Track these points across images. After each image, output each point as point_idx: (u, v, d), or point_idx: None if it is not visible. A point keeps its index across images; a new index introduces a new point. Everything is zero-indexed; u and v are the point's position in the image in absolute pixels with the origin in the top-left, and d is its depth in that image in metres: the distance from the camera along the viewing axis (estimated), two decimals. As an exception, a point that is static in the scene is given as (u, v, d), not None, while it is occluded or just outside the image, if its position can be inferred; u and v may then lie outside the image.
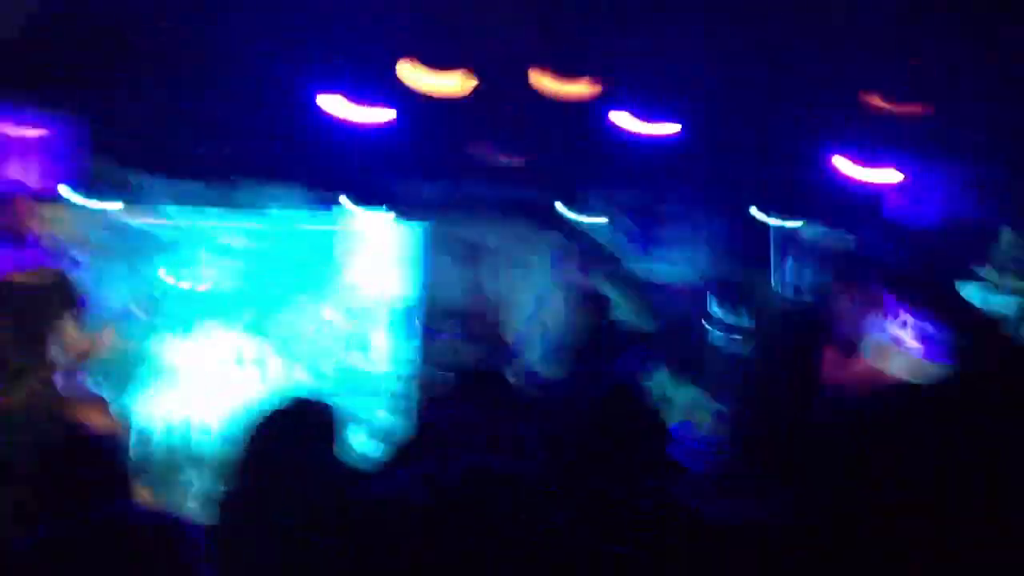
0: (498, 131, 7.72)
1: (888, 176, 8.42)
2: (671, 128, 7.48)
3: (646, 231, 9.44)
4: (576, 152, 8.11)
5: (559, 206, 8.71)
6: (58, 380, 4.22)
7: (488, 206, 8.63)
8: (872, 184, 8.57)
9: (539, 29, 6.36)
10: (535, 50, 6.62)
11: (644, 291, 8.32)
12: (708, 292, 8.67)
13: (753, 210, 9.30)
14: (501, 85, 7.02)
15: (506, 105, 7.24)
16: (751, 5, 6.22)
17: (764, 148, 7.83)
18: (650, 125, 7.62)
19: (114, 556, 1.67)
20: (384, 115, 6.60)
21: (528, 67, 6.78)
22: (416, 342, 7.76)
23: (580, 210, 8.81)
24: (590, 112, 7.51)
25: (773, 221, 9.22)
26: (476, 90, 6.88)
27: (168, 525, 1.70)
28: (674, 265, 9.51)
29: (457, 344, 7.91)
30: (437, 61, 6.47)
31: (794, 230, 9.76)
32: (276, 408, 3.32)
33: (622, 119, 7.61)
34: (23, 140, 5.78)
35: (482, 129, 7.65)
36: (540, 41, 6.51)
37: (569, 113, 7.48)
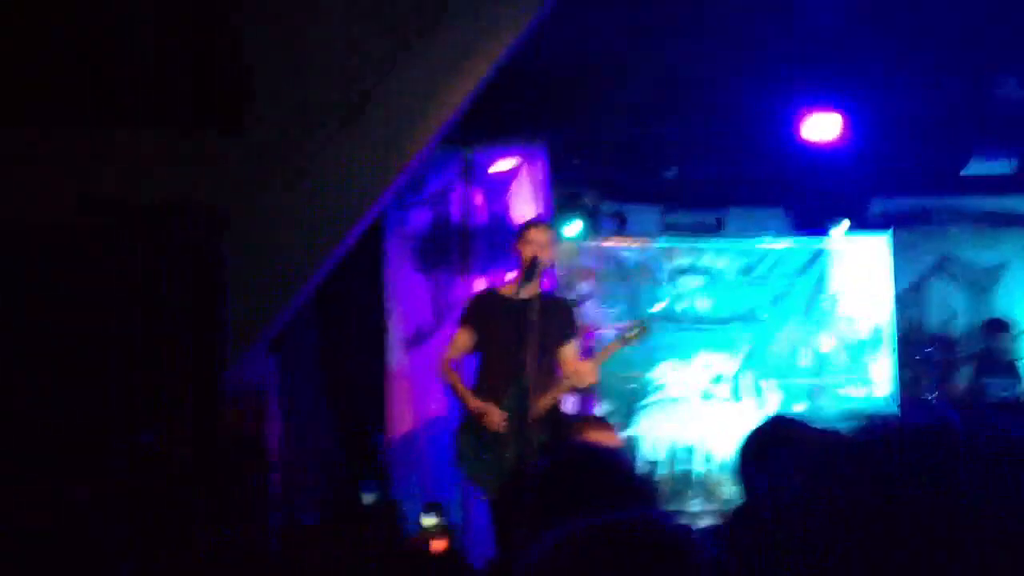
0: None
1: None
2: None
3: None
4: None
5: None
6: (565, 401, 4.47)
7: (985, 220, 7.89)
8: None
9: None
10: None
11: None
12: None
13: None
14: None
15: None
16: None
17: None
18: None
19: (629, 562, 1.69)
20: (864, 132, 6.28)
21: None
22: (908, 368, 7.28)
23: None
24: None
25: None
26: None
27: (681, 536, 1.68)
28: None
29: (959, 371, 7.32)
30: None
31: None
32: (773, 437, 3.25)
33: None
34: (520, 175, 6.20)
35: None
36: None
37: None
